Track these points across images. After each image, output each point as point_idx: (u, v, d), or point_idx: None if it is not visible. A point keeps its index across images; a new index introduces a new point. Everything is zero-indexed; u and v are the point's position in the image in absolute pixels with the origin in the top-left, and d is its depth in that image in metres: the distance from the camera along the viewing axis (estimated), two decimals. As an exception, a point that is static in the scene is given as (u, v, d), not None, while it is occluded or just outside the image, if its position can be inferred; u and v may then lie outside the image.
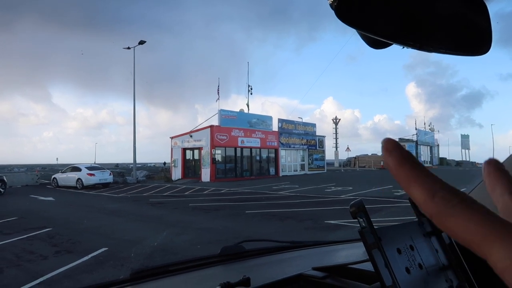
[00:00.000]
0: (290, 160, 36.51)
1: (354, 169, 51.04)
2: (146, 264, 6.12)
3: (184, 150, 30.17)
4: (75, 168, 24.27)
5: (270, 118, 34.67)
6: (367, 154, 59.30)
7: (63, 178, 24.49)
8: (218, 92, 31.90)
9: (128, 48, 28.85)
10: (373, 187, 19.00)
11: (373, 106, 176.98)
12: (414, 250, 0.81)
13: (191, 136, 29.46)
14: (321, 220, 10.02)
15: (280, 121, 35.49)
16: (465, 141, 62.98)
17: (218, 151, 28.83)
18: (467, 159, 62.63)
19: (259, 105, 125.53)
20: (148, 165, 62.89)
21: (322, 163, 41.07)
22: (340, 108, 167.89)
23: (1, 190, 20.21)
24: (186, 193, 19.52)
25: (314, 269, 1.08)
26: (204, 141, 28.45)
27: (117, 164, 69.16)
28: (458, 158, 63.73)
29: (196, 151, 29.55)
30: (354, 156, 58.04)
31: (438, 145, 59.87)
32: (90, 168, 24.29)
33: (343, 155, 55.88)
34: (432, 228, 0.88)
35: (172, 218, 11.51)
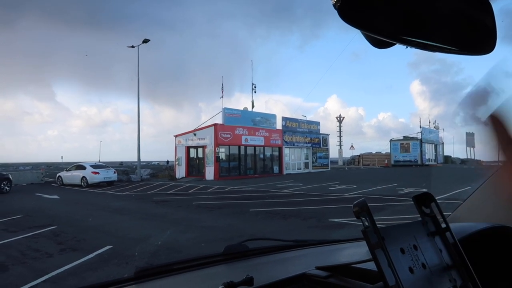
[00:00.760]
0: (294, 158, 36.48)
1: (358, 167, 50.93)
2: (151, 262, 6.14)
3: (188, 148, 30.23)
4: (80, 167, 24.39)
5: (274, 116, 34.65)
6: (372, 152, 59.19)
7: (68, 176, 24.62)
8: (222, 90, 31.93)
9: (133, 46, 28.86)
10: (377, 185, 18.95)
11: (378, 104, 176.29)
12: (418, 249, 0.82)
13: (195, 135, 29.50)
14: (325, 218, 10.00)
15: (284, 119, 35.46)
16: (470, 139, 62.42)
17: (222, 149, 28.85)
18: (472, 157, 62.28)
19: (262, 103, 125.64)
20: (152, 163, 63.06)
21: (326, 161, 41.02)
22: (344, 106, 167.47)
23: (7, 188, 20.34)
24: (190, 191, 19.56)
25: (318, 268, 1.08)
26: (208, 139, 28.49)
27: (122, 162, 69.38)
28: (463, 156, 63.36)
29: (200, 150, 29.59)
30: (358, 154, 57.93)
31: (443, 143, 59.57)
32: (95, 166, 24.39)
33: (347, 153, 55.75)
34: (436, 228, 0.88)
35: (176, 216, 11.54)
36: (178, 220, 10.84)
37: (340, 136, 55.26)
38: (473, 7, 0.64)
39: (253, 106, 33.81)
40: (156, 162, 62.96)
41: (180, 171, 29.96)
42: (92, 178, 23.13)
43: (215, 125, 28.67)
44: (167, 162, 38.65)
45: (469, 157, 61.91)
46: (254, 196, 16.47)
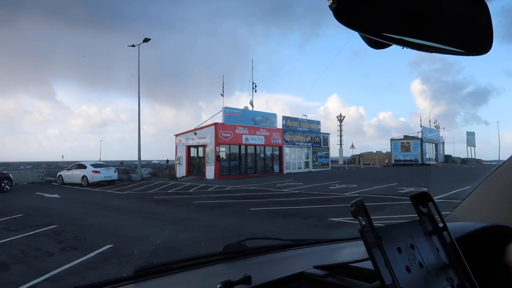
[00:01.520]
0: (295, 158, 36.48)
1: (359, 166, 50.91)
2: (151, 261, 6.15)
3: (188, 147, 30.24)
4: (80, 166, 24.41)
5: (274, 115, 34.65)
6: (372, 152, 59.13)
7: (68, 175, 24.63)
8: (223, 90, 31.92)
9: (133, 46, 28.87)
10: (377, 185, 18.95)
11: (378, 103, 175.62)
12: (415, 249, 0.82)
13: (195, 134, 29.51)
14: (325, 217, 10.01)
15: (285, 118, 35.46)
16: (470, 139, 62.52)
17: (223, 149, 28.85)
18: (473, 157, 62.23)
19: (263, 103, 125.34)
20: (152, 162, 63.06)
21: (326, 161, 41.01)
22: (345, 105, 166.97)
23: (7, 187, 20.36)
24: (190, 190, 19.57)
25: (316, 267, 1.08)
26: (208, 139, 28.49)
27: (122, 161, 69.39)
28: (463, 155, 63.31)
29: (200, 149, 29.60)
30: (359, 153, 57.88)
31: (443, 143, 59.54)
32: (95, 165, 24.41)
33: (348, 153, 55.71)
34: (433, 227, 0.89)
35: (176, 215, 11.55)
36: (179, 219, 10.85)
37: (340, 135, 55.24)
38: (470, 7, 0.64)
39: (252, 106, 33.84)
40: (157, 161, 62.94)
41: (181, 170, 29.97)
42: (93, 177, 23.15)
43: (215, 124, 28.67)
44: (167, 161, 38.68)
45: (469, 156, 62.01)
46: (255, 195, 16.48)
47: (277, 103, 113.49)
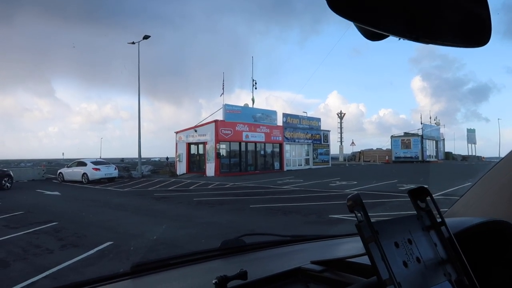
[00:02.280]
0: (295, 155, 36.48)
1: (359, 163, 50.92)
2: (150, 257, 6.15)
3: (188, 144, 30.23)
4: (81, 163, 24.43)
5: (274, 112, 34.60)
6: (372, 149, 59.12)
7: (69, 172, 24.65)
8: (223, 87, 31.88)
9: (133, 43, 28.86)
10: (378, 182, 18.94)
11: (378, 100, 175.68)
12: (412, 244, 0.81)
13: (195, 131, 29.50)
14: (325, 214, 10.02)
15: (285, 115, 35.44)
16: (471, 136, 62.45)
17: (223, 146, 28.85)
18: (473, 154, 62.20)
19: (263, 100, 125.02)
20: (152, 159, 63.08)
21: (326, 158, 41.02)
22: (345, 102, 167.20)
23: (8, 184, 20.39)
24: (191, 187, 19.59)
25: (313, 262, 1.08)
26: (208, 136, 28.49)
27: (123, 158, 69.43)
28: (464, 152, 63.27)
29: (200, 146, 29.60)
30: (359, 150, 57.85)
31: (443, 140, 59.47)
32: (96, 162, 24.43)
33: (348, 150, 55.66)
34: (431, 222, 0.88)
35: (177, 212, 11.56)
36: (179, 216, 10.86)
37: (341, 133, 55.09)
38: None
39: (253, 103, 33.83)
40: (157, 159, 62.95)
41: (181, 168, 29.97)
42: (93, 174, 23.16)
43: (216, 121, 28.65)
44: (167, 158, 38.68)
45: (470, 153, 61.99)
46: (255, 192, 16.49)
47: (277, 100, 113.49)
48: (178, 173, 29.46)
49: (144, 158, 32.19)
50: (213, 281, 0.88)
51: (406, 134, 52.49)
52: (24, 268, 5.94)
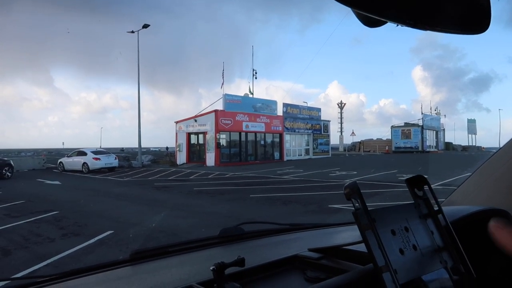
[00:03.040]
0: (295, 145, 36.49)
1: (359, 153, 50.94)
2: (150, 246, 6.19)
3: (188, 134, 30.22)
4: (81, 153, 24.44)
5: (275, 102, 34.52)
6: (372, 139, 59.12)
7: (69, 162, 24.69)
8: (223, 76, 31.74)
9: (132, 32, 28.61)
10: (377, 172, 18.98)
11: (379, 90, 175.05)
12: (409, 231, 0.82)
13: (195, 121, 29.45)
14: (324, 204, 10.05)
15: (285, 105, 35.35)
16: (471, 126, 62.40)
17: (223, 136, 28.84)
18: (474, 144, 62.18)
19: (263, 90, 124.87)
20: (152, 149, 63.12)
21: (326, 148, 41.04)
22: (345, 92, 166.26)
23: (8, 174, 20.44)
24: (191, 177, 19.63)
25: (310, 250, 1.09)
26: (208, 126, 28.45)
27: (123, 148, 69.47)
28: (464, 143, 63.25)
29: (200, 136, 29.59)
30: (359, 140, 57.86)
31: (444, 130, 59.44)
32: (96, 152, 24.45)
33: (348, 140, 55.71)
34: (428, 210, 0.88)
35: (177, 202, 11.60)
36: (179, 205, 10.90)
37: (341, 123, 55.11)
38: None
39: (252, 94, 33.69)
40: (157, 149, 63.00)
41: (181, 157, 30.00)
42: (93, 164, 23.19)
43: (216, 111, 28.59)
44: (167, 148, 38.72)
45: (470, 143, 61.98)
46: (255, 182, 16.53)
47: (277, 90, 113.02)
48: (178, 163, 29.50)
49: (143, 148, 32.18)
50: (211, 268, 0.88)
51: (406, 124, 52.43)
52: (25, 256, 5.98)
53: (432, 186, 0.90)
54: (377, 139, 58.10)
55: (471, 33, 0.63)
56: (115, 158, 24.94)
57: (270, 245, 1.42)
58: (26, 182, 18.34)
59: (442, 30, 0.59)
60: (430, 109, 57.80)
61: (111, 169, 23.94)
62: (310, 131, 38.13)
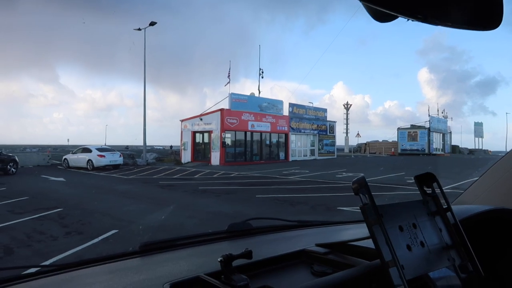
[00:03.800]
0: (300, 145, 36.34)
1: (365, 155, 50.73)
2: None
3: (194, 133, 30.17)
4: (86, 149, 24.46)
5: (281, 102, 34.38)
6: (378, 140, 58.92)
7: (74, 159, 24.72)
8: (229, 76, 31.62)
9: (139, 29, 28.56)
10: (385, 174, 18.78)
11: (384, 92, 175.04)
12: (417, 228, 0.83)
13: (201, 119, 29.40)
14: (333, 206, 9.91)
15: (291, 105, 35.22)
16: (478, 129, 61.95)
17: (228, 135, 28.76)
18: (480, 147, 61.75)
19: (268, 90, 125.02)
20: (156, 147, 63.26)
21: (332, 149, 40.87)
22: (350, 94, 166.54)
23: (13, 170, 20.46)
24: (195, 176, 19.55)
25: (317, 245, 1.13)
26: (214, 125, 28.38)
27: (127, 146, 69.75)
28: (470, 146, 62.88)
29: (206, 135, 29.53)
30: (365, 142, 57.69)
31: (450, 133, 59.06)
32: (101, 149, 24.47)
33: (353, 141, 55.52)
34: (437, 208, 0.89)
35: (182, 201, 11.50)
36: (184, 204, 10.79)
37: (347, 124, 54.86)
38: None
39: (259, 93, 33.60)
40: (161, 147, 63.12)
41: (186, 156, 29.95)
42: (98, 161, 23.19)
43: (221, 110, 28.51)
44: (171, 147, 38.75)
45: (477, 147, 61.53)
46: (260, 182, 16.41)
47: (282, 90, 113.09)
48: (183, 161, 29.46)
49: (148, 146, 32.12)
50: (219, 259, 0.89)
51: (413, 126, 52.14)
52: (28, 255, 5.88)
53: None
54: (383, 140, 57.90)
55: (482, 29, 0.61)
56: (120, 155, 24.94)
57: (277, 240, 1.44)
58: (30, 178, 18.36)
59: (453, 25, 0.59)
60: (437, 111, 57.47)
61: (115, 167, 23.94)
62: (316, 132, 37.97)
